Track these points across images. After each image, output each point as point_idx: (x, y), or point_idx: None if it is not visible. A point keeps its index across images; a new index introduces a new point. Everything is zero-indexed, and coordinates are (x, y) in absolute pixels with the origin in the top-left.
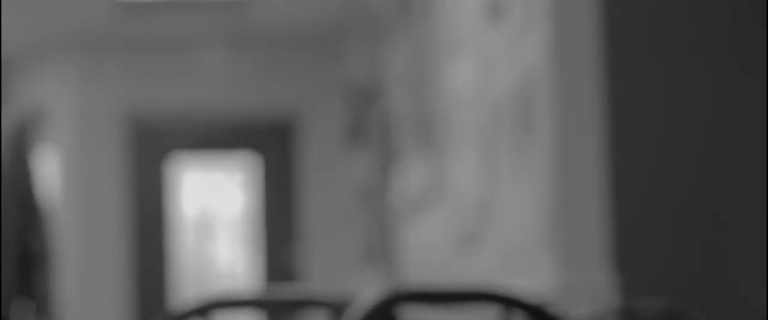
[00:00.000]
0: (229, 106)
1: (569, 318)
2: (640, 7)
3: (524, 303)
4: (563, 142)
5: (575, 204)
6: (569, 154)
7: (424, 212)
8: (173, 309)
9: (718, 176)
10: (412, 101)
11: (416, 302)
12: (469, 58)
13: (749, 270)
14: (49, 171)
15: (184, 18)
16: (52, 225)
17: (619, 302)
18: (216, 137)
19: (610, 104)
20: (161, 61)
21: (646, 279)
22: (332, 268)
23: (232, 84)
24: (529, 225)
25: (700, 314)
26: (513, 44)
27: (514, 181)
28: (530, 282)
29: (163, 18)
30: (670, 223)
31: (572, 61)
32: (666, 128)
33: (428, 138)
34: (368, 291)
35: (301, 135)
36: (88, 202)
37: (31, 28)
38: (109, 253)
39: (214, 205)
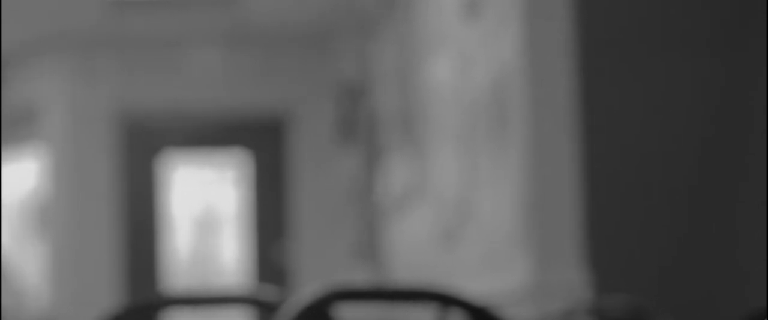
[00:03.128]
0: (221, 104)
1: None
2: (614, 5)
3: (461, 301)
4: (537, 140)
5: (549, 202)
6: (543, 152)
7: (409, 209)
8: (111, 310)
9: (691, 175)
10: (397, 98)
11: (351, 300)
12: (448, 55)
13: (722, 269)
14: (41, 169)
15: (175, 16)
16: None
17: (591, 299)
18: (207, 134)
19: (584, 102)
20: (153, 58)
21: (619, 277)
22: (323, 265)
23: (223, 82)
24: (504, 223)
25: (667, 312)
26: (489, 41)
27: (491, 179)
28: (506, 279)
29: (155, 16)
30: (643, 221)
31: (546, 59)
32: (640, 126)
33: (412, 135)
34: (304, 289)
35: (292, 132)
36: (80, 200)
37: (23, 26)
38: (101, 251)
39: (212, 202)
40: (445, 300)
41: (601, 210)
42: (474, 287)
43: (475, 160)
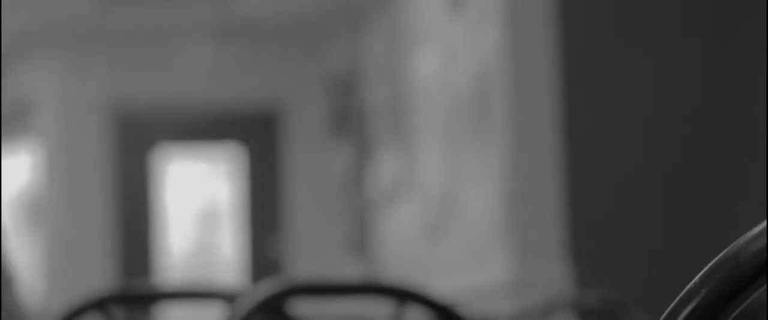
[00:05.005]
0: (213, 98)
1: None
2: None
3: (420, 297)
4: (519, 135)
5: (531, 197)
6: (525, 147)
7: (398, 204)
8: (71, 303)
9: (674, 171)
10: (386, 92)
11: (306, 295)
12: (433, 49)
13: (704, 264)
14: (35, 164)
15: (167, 9)
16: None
17: (572, 293)
18: (200, 128)
19: (566, 97)
20: (145, 52)
21: (600, 272)
22: (317, 258)
23: (215, 75)
24: (487, 218)
25: (647, 307)
26: (472, 35)
27: (475, 174)
28: (489, 273)
29: (147, 9)
30: (624, 217)
31: (528, 53)
32: (622, 121)
33: (400, 129)
34: (260, 283)
35: (285, 126)
36: (73, 194)
37: (16, 20)
38: (94, 245)
39: (207, 196)
40: (401, 295)
41: (582, 205)
42: (457, 281)
43: (460, 154)
